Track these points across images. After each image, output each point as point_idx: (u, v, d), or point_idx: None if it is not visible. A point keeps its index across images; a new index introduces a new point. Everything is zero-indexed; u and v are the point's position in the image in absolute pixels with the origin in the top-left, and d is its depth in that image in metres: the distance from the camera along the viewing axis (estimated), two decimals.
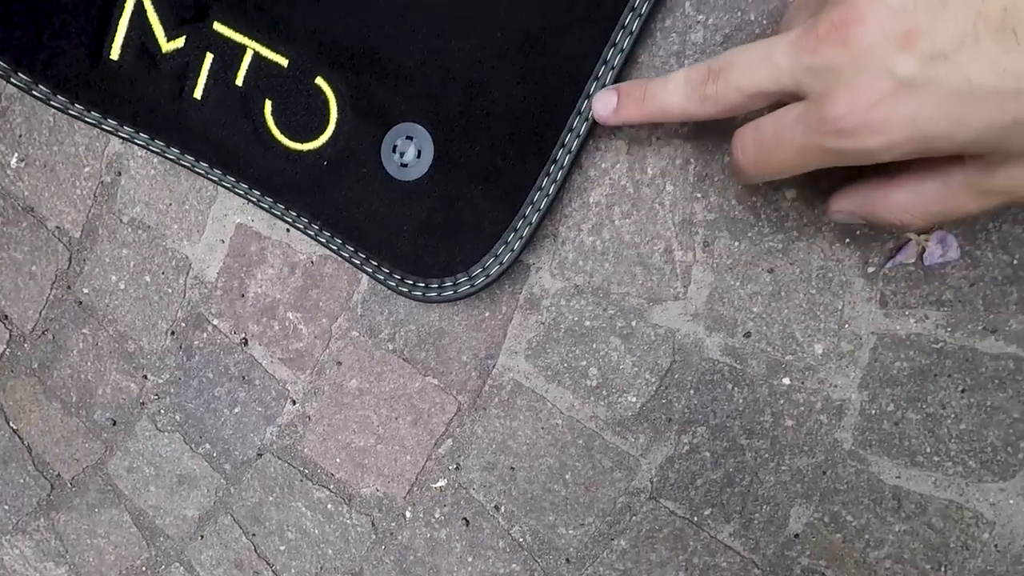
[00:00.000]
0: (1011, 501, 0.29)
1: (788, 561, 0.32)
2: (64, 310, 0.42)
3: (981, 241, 0.27)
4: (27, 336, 0.44)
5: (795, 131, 0.21)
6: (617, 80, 0.29)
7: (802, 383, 0.30)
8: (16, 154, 0.41)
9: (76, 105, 0.34)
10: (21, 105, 0.40)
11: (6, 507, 0.48)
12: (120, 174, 0.39)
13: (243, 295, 0.38)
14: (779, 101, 0.22)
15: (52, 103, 0.34)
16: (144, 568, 0.45)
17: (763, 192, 0.29)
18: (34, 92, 0.33)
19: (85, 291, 0.41)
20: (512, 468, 0.35)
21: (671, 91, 0.25)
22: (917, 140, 0.19)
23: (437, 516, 0.37)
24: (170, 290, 0.39)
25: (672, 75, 0.25)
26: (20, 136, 0.40)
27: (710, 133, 0.29)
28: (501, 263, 0.31)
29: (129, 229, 0.39)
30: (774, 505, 0.32)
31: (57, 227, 0.41)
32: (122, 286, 0.40)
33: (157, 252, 0.39)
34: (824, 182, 0.28)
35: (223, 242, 0.38)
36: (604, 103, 0.27)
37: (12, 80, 0.33)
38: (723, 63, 0.23)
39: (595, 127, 0.30)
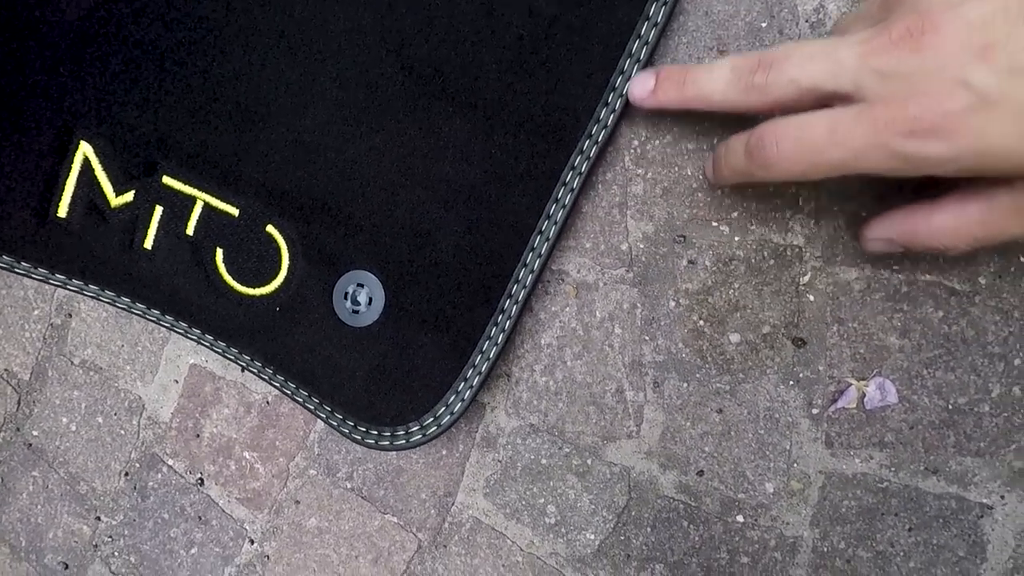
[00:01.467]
0: None
1: None
2: (13, 452, 0.41)
3: (917, 387, 0.28)
4: None
5: (856, 130, 0.20)
6: (559, 235, 0.29)
7: (755, 520, 0.31)
8: None
9: (22, 263, 0.34)
10: None
11: None
12: (71, 316, 0.38)
13: (198, 435, 0.37)
14: (821, 103, 0.22)
15: (5, 266, 0.34)
16: None
17: (708, 336, 0.30)
18: None
19: (35, 433, 0.40)
20: None
21: (715, 77, 0.24)
22: (983, 154, 0.19)
23: None
24: (123, 431, 0.38)
25: (716, 62, 0.24)
26: None
27: (655, 280, 0.30)
28: (452, 412, 0.31)
29: (80, 371, 0.38)
30: None
31: (6, 370, 0.40)
32: (73, 428, 0.39)
33: (109, 393, 0.38)
34: (766, 327, 0.29)
35: (177, 382, 0.37)
36: (641, 86, 0.26)
37: None
38: (778, 55, 0.22)
39: (541, 275, 0.30)
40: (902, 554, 0.29)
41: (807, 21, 0.27)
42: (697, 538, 0.31)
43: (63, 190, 0.33)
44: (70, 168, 0.33)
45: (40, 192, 0.33)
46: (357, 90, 0.30)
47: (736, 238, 0.29)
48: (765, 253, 0.29)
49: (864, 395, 0.28)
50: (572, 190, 0.29)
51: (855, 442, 0.29)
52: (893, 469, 0.29)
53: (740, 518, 0.31)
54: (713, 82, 0.24)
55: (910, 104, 0.19)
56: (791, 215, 0.28)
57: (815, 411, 0.29)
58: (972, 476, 0.28)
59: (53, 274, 0.34)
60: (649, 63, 0.27)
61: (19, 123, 0.31)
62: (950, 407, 0.28)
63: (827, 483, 0.30)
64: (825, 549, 0.30)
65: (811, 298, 0.29)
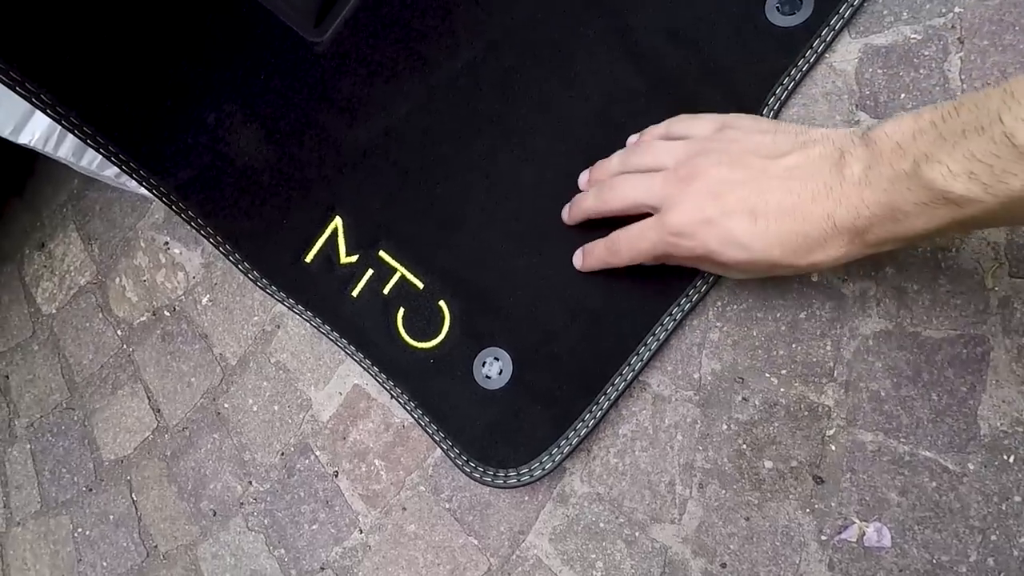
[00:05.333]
0: None
1: None
2: (204, 415, 0.55)
3: (909, 538, 0.36)
4: (169, 429, 0.56)
5: (651, 231, 0.36)
6: (651, 358, 0.40)
7: None
8: (208, 295, 0.55)
9: (271, 287, 0.48)
10: (223, 264, 0.55)
11: (105, 563, 0.58)
12: (279, 327, 0.52)
13: (344, 438, 0.49)
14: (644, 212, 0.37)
15: (249, 276, 0.48)
16: None
17: (747, 458, 0.39)
18: (240, 268, 0.48)
19: (225, 406, 0.54)
20: None
21: (586, 195, 0.41)
22: (707, 251, 0.33)
23: None
24: (290, 421, 0.51)
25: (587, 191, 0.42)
26: (215, 283, 0.55)
27: (714, 405, 0.40)
28: (544, 469, 0.41)
29: (273, 368, 0.52)
30: None
31: (220, 354, 0.54)
32: (255, 409, 0.53)
33: (289, 390, 0.51)
34: (794, 462, 0.38)
35: (340, 394, 0.50)
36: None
37: (227, 255, 0.48)
38: (616, 181, 0.38)
39: (633, 383, 0.41)
40: None
41: None
42: None
43: (314, 245, 0.48)
44: (323, 232, 0.48)
45: (300, 244, 0.48)
46: (526, 225, 0.44)
47: (782, 389, 0.39)
48: (802, 406, 0.38)
49: (864, 534, 0.36)
50: (667, 329, 0.40)
51: (852, 571, 0.37)
52: None
53: None
54: (587, 200, 0.40)
55: (674, 216, 0.34)
56: (827, 382, 0.38)
57: (823, 537, 0.37)
58: None
59: (287, 298, 0.48)
60: None
61: (306, 196, 0.47)
62: (934, 561, 0.35)
63: None
64: None
65: (833, 448, 0.37)
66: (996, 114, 0.23)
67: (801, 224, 0.30)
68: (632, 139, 0.42)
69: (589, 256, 0.41)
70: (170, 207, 0.45)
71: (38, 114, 0.41)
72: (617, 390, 0.41)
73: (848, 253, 0.30)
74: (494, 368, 0.43)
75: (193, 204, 0.45)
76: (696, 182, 0.33)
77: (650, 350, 0.40)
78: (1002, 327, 0.35)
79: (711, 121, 0.37)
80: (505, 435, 0.42)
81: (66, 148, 0.41)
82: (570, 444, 0.41)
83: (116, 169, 0.41)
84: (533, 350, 0.43)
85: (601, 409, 0.41)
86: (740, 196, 0.32)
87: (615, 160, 0.40)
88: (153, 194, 0.43)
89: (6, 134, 0.42)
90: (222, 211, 0.46)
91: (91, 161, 0.43)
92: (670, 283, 0.40)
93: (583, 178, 0.43)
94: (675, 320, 0.40)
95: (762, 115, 0.40)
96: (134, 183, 0.43)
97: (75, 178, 0.66)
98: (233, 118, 0.44)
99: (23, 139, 0.42)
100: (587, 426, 0.41)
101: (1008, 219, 0.26)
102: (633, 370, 0.40)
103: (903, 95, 0.39)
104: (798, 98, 0.41)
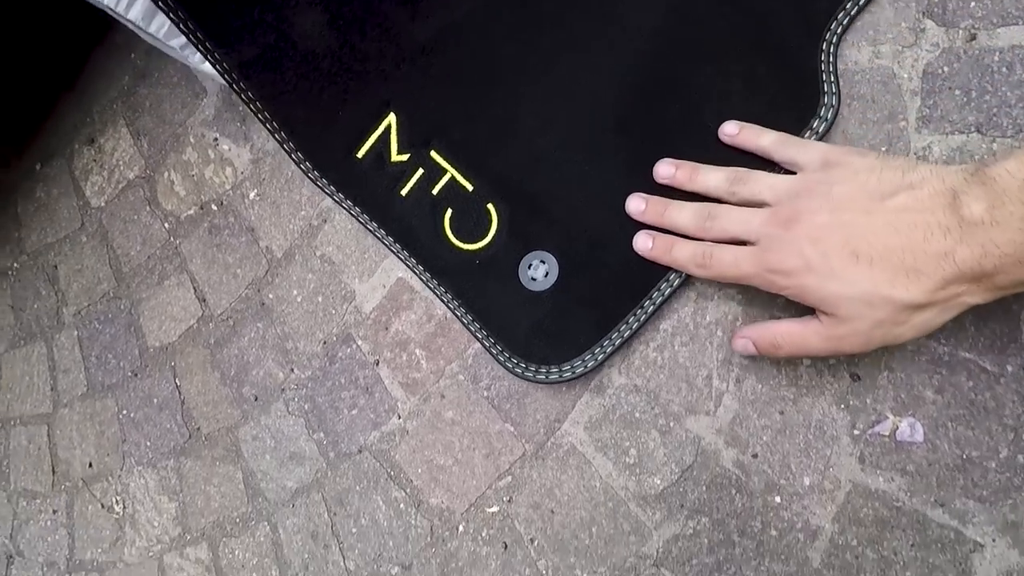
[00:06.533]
0: None
1: None
2: (249, 305, 0.56)
3: (941, 434, 0.37)
4: (214, 318, 0.58)
5: (748, 262, 0.36)
6: (682, 284, 0.41)
7: (789, 504, 0.40)
8: (256, 190, 0.57)
9: (322, 180, 0.49)
10: (272, 159, 0.56)
11: (148, 443, 0.61)
12: (326, 221, 0.54)
13: (387, 328, 0.51)
14: (739, 243, 0.37)
15: (301, 167, 0.49)
16: (238, 520, 0.56)
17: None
18: (292, 157, 0.49)
19: (270, 296, 0.55)
20: (552, 511, 0.45)
21: (684, 214, 0.40)
22: (803, 291, 0.34)
23: (484, 535, 0.47)
24: (334, 311, 0.53)
25: (684, 204, 0.40)
26: (263, 179, 0.56)
27: (755, 304, 0.41)
28: (586, 367, 0.42)
29: (319, 261, 0.54)
30: None
31: (266, 246, 0.56)
32: (299, 299, 0.54)
33: (333, 282, 0.53)
34: (832, 359, 0.39)
35: (384, 287, 0.51)
36: (635, 206, 0.42)
37: (281, 143, 0.48)
38: (719, 210, 0.38)
39: (675, 293, 0.42)
40: (901, 563, 0.37)
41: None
42: (740, 505, 0.41)
43: (367, 140, 0.48)
44: (376, 128, 0.48)
45: (353, 137, 0.48)
46: (580, 133, 0.44)
47: None
48: None
49: (897, 428, 0.37)
50: None
51: (883, 464, 0.38)
52: (908, 494, 0.37)
53: (778, 499, 0.40)
54: (682, 217, 0.40)
55: (774, 256, 0.34)
56: None
57: (856, 432, 0.39)
58: (972, 517, 0.36)
59: (337, 192, 0.49)
60: None
61: (363, 89, 0.47)
62: (964, 457, 0.36)
63: (853, 490, 0.38)
64: (840, 542, 0.38)
65: None
66: None
67: (912, 260, 0.30)
68: (728, 128, 0.41)
69: (663, 251, 0.41)
70: (231, 87, 0.45)
71: None
72: (663, 295, 0.41)
73: (969, 298, 0.30)
74: (540, 271, 0.44)
75: (253, 85, 0.46)
76: (797, 227, 0.33)
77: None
78: None
79: (818, 153, 0.36)
80: (548, 335, 0.44)
81: (136, 10, 0.42)
82: (613, 344, 0.42)
83: (182, 39, 0.42)
84: (580, 255, 0.43)
85: (646, 313, 0.42)
86: (842, 240, 0.32)
87: (713, 178, 0.39)
88: (216, 70, 0.43)
89: None
90: (280, 95, 0.47)
91: (159, 28, 0.43)
92: None
93: (666, 169, 0.41)
94: None
95: (831, 27, 0.40)
96: (197, 57, 0.43)
97: (126, 74, 0.67)
98: None
99: None
100: (631, 329, 0.42)
101: None
102: (680, 277, 0.41)
103: (972, 3, 0.39)
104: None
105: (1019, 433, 0.36)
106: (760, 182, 0.37)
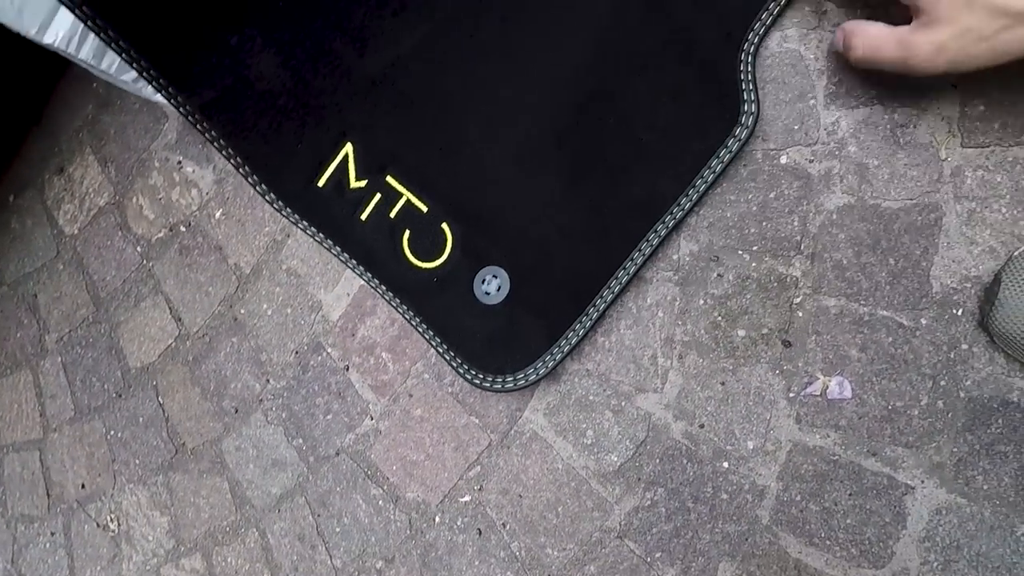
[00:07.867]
0: None
1: None
2: (223, 322, 0.58)
3: (867, 389, 0.39)
4: (191, 336, 0.60)
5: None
6: (632, 279, 0.44)
7: (736, 468, 0.42)
8: (221, 210, 0.59)
9: (287, 209, 0.51)
10: (234, 178, 0.58)
11: (137, 461, 0.63)
12: (289, 236, 0.56)
13: (353, 335, 0.53)
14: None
15: (265, 198, 0.51)
16: (228, 529, 0.59)
17: (722, 328, 0.43)
18: (257, 189, 0.51)
19: (242, 311, 0.58)
20: (520, 496, 0.47)
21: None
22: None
23: (459, 524, 0.49)
24: (303, 322, 0.55)
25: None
26: (227, 198, 0.58)
27: (692, 283, 0.43)
28: (538, 374, 0.45)
29: (285, 274, 0.56)
30: (707, 558, 0.43)
31: (235, 263, 0.58)
32: (269, 313, 0.56)
33: (300, 294, 0.55)
34: (764, 329, 0.42)
35: (348, 295, 0.53)
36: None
37: (245, 176, 0.51)
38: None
39: (617, 299, 0.44)
40: (842, 512, 0.40)
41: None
42: (692, 473, 0.43)
43: (326, 170, 0.50)
44: (335, 157, 0.50)
45: (313, 168, 0.50)
46: (522, 150, 0.46)
47: (753, 264, 0.42)
48: (772, 278, 0.42)
49: (827, 387, 0.40)
50: (652, 245, 0.43)
51: (817, 422, 0.40)
52: (843, 447, 0.40)
53: (726, 464, 0.42)
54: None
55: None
56: (794, 255, 0.41)
57: (791, 395, 0.41)
58: (901, 462, 0.39)
59: (300, 220, 0.51)
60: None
61: (320, 122, 0.49)
62: (890, 408, 0.39)
63: (793, 449, 0.41)
64: (785, 498, 0.41)
65: (800, 314, 0.41)
66: None
67: None
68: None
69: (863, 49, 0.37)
70: (194, 126, 0.47)
71: (61, 13, 0.44)
72: (606, 302, 0.44)
73: None
74: (492, 285, 0.46)
75: (216, 124, 0.48)
76: None
77: (636, 265, 0.43)
78: (953, 194, 0.38)
79: None
80: (502, 345, 0.46)
81: (87, 50, 0.44)
82: (561, 351, 0.44)
83: (134, 73, 0.44)
84: (528, 268, 0.46)
85: (590, 320, 0.44)
86: None
87: None
88: (180, 112, 0.45)
89: (32, 34, 0.44)
90: (242, 132, 0.49)
91: (110, 64, 0.45)
92: (654, 203, 0.43)
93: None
94: (660, 236, 0.43)
95: (748, 38, 0.42)
96: (150, 89, 0.45)
97: (89, 103, 0.68)
98: (254, 42, 0.47)
99: (47, 39, 0.44)
100: (577, 335, 0.44)
101: None
102: (620, 284, 0.43)
103: None
104: None
105: (936, 381, 0.38)
106: None
